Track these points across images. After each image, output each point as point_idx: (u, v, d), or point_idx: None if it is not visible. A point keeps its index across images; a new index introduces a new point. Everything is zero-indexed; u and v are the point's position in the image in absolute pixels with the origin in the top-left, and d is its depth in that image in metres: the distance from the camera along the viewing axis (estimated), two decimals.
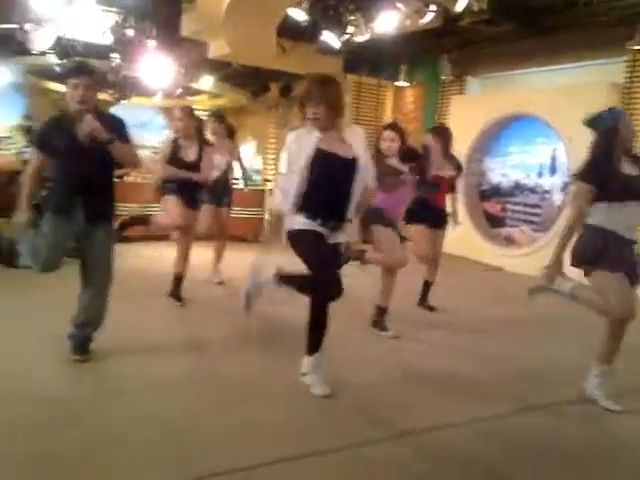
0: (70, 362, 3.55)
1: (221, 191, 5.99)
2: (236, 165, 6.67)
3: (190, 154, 5.04)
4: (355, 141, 3.37)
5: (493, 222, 8.83)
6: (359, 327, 4.64)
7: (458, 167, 5.46)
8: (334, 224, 3.35)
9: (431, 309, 5.49)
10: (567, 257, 3.42)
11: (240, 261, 7.17)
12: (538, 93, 8.00)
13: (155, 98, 11.86)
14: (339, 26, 6.89)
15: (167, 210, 5.02)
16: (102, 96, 10.74)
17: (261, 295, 3.75)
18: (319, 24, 7.03)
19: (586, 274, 3.44)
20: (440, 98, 9.83)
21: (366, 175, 3.42)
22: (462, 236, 8.41)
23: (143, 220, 5.27)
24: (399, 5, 6.15)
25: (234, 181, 6.67)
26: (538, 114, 7.80)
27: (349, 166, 3.31)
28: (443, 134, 5.37)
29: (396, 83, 10.22)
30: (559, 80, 8.00)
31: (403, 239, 4.55)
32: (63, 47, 8.04)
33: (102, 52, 8.56)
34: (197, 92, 11.93)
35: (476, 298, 6.30)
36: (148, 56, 8.45)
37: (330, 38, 7.16)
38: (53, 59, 8.33)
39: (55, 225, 3.50)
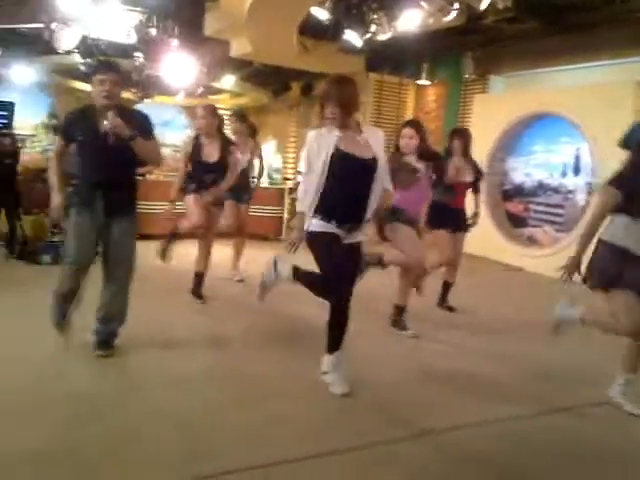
0: (94, 358, 3.60)
1: (241, 188, 6.02)
2: (256, 163, 6.70)
3: (211, 154, 5.04)
4: (374, 141, 3.35)
5: (515, 222, 8.75)
6: (378, 326, 4.63)
7: (478, 171, 5.42)
8: (350, 226, 3.33)
9: (451, 310, 5.46)
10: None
11: (260, 259, 7.23)
12: (563, 92, 7.89)
13: (177, 97, 11.97)
14: (362, 25, 6.88)
15: (188, 210, 5.05)
16: (126, 95, 10.88)
17: (276, 287, 3.74)
18: (342, 23, 7.03)
19: (604, 289, 3.34)
20: (462, 97, 9.76)
21: (384, 177, 3.41)
22: (484, 236, 8.37)
23: (173, 234, 5.23)
24: (422, 3, 6.11)
25: (253, 179, 6.71)
26: (563, 113, 7.71)
27: (367, 167, 3.29)
28: (464, 136, 5.35)
29: (418, 82, 10.17)
30: (584, 79, 7.88)
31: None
32: (88, 46, 8.16)
33: (126, 51, 8.66)
34: (219, 91, 12.01)
35: (496, 298, 6.24)
36: (171, 55, 8.54)
37: (352, 37, 7.16)
38: (78, 58, 8.45)
39: (78, 220, 3.54)
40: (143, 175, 7.90)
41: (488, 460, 2.79)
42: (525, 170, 8.68)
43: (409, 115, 10.64)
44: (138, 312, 3.84)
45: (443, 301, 5.51)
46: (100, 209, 3.51)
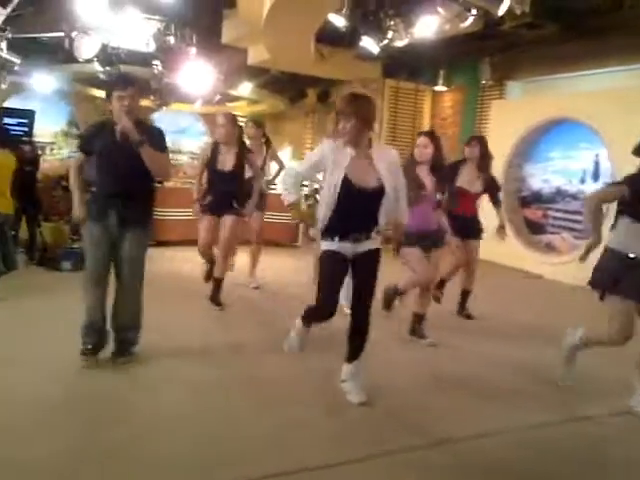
0: (113, 363, 3.63)
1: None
2: (273, 168, 6.74)
3: (226, 163, 5.12)
4: (383, 164, 3.26)
5: (534, 229, 8.67)
6: (397, 333, 4.61)
7: (493, 184, 5.35)
8: (356, 236, 3.25)
9: (469, 317, 5.42)
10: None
11: (275, 266, 7.25)
12: (581, 97, 7.83)
13: (195, 105, 12.07)
14: (379, 31, 6.88)
15: (199, 229, 5.25)
16: (144, 103, 11.00)
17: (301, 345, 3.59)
18: (358, 30, 7.04)
19: (601, 297, 3.43)
20: (479, 103, 9.71)
21: (395, 205, 3.34)
22: (502, 243, 8.30)
23: (210, 269, 5.38)
24: (439, 10, 6.10)
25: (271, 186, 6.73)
26: (581, 119, 7.63)
27: (372, 196, 3.23)
28: (481, 144, 5.29)
29: (434, 88, 10.15)
30: (603, 84, 7.81)
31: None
32: (107, 55, 8.25)
33: (145, 59, 8.75)
34: (236, 98, 12.09)
35: (515, 306, 6.18)
36: (189, 63, 8.60)
37: (369, 44, 7.16)
38: (98, 67, 8.56)
39: (93, 232, 3.60)
40: (161, 182, 7.95)
41: (508, 468, 2.76)
42: (543, 176, 8.61)
43: (425, 121, 10.63)
44: (155, 319, 3.86)
45: (462, 309, 5.47)
46: (114, 220, 3.56)
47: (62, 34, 7.61)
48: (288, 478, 2.51)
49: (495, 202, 5.42)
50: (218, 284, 5.19)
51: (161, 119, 11.28)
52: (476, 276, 5.42)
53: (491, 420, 3.25)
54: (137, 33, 7.88)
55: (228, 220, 5.11)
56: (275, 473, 2.53)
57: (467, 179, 5.20)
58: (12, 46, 8.09)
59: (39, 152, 8.03)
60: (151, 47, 8.14)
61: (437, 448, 2.88)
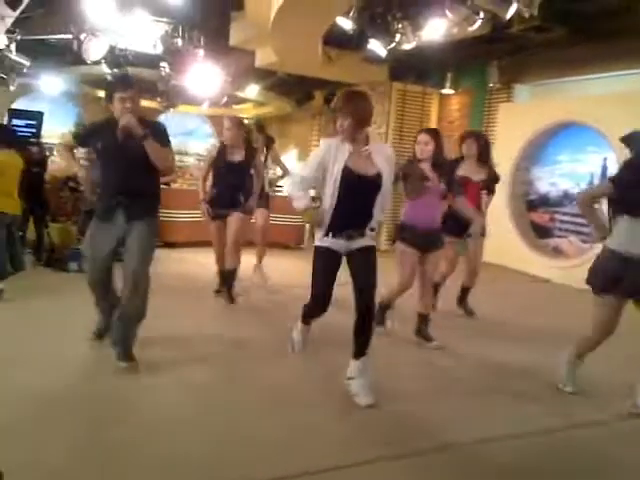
0: (117, 362, 3.61)
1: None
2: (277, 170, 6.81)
3: (236, 156, 5.26)
4: (380, 157, 3.32)
5: (541, 232, 8.63)
6: (402, 334, 4.59)
7: (492, 175, 5.34)
8: (350, 233, 3.30)
9: (470, 313, 5.44)
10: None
11: (281, 267, 7.25)
12: (589, 101, 7.79)
13: (202, 106, 12.10)
14: (386, 34, 6.87)
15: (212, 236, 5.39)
16: (151, 104, 11.04)
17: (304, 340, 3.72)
18: (366, 32, 7.04)
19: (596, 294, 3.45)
20: (487, 106, 9.68)
21: (388, 195, 3.41)
22: (509, 246, 8.28)
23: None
24: (447, 13, 6.09)
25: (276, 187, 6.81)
26: (589, 122, 7.60)
27: (372, 184, 3.28)
28: (480, 139, 5.31)
29: (442, 91, 10.13)
30: (611, 87, 7.77)
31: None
32: (115, 57, 8.29)
33: (152, 61, 8.78)
34: (243, 100, 12.12)
35: (522, 309, 6.15)
36: (196, 65, 8.62)
37: (376, 46, 7.15)
38: (106, 69, 8.59)
39: (98, 231, 3.63)
40: (167, 184, 7.99)
41: (516, 472, 2.75)
42: (550, 180, 8.57)
43: (432, 124, 10.59)
44: (159, 318, 3.86)
45: (461, 301, 5.51)
46: (120, 218, 3.58)
47: (70, 36, 7.66)
48: None
49: (490, 191, 5.37)
50: (232, 274, 5.29)
51: (168, 121, 11.33)
52: (480, 277, 5.42)
53: (497, 424, 3.23)
54: (145, 35, 7.91)
55: (233, 220, 5.17)
56: (280, 476, 2.51)
57: (469, 170, 5.18)
58: (21, 48, 8.14)
59: (47, 153, 8.05)
60: (159, 49, 8.17)
61: (446, 451, 2.87)
